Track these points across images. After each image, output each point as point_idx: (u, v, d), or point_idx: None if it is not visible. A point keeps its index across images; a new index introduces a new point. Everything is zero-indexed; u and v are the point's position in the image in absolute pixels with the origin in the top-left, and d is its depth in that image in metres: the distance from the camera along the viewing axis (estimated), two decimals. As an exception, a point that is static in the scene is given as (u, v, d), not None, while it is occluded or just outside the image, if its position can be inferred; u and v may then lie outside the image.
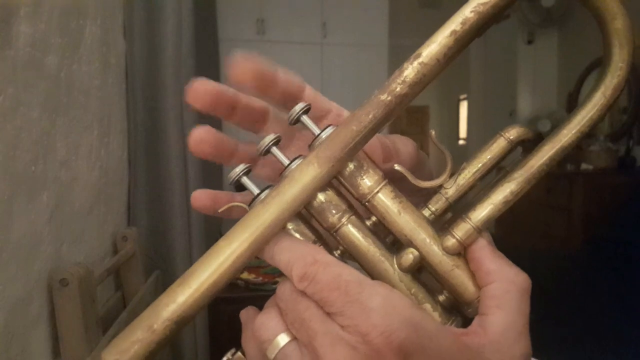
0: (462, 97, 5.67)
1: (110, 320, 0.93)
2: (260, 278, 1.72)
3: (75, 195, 0.92)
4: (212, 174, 1.56)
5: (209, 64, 1.93)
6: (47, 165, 0.81)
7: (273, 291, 0.26)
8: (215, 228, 1.87)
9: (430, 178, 0.31)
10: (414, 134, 6.76)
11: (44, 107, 0.80)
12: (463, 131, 5.75)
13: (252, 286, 1.69)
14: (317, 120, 0.31)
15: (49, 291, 0.77)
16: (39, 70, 0.79)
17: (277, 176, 0.28)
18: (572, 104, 3.35)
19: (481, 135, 4.39)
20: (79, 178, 0.94)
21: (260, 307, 0.28)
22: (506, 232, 2.98)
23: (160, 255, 1.32)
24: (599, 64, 0.27)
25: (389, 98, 0.25)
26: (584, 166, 2.89)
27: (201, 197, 0.31)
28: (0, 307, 0.66)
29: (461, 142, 5.88)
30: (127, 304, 1.10)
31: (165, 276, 1.30)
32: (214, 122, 0.32)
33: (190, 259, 1.34)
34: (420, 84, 0.25)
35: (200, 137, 0.29)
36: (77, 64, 0.94)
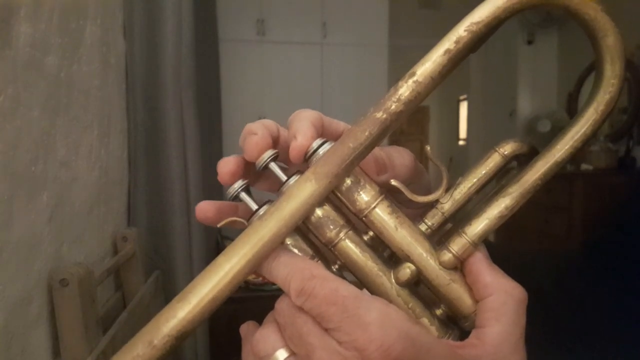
0: (462, 97, 5.65)
1: (110, 320, 0.93)
2: (261, 278, 1.72)
3: (75, 195, 0.92)
4: (212, 174, 1.56)
5: (209, 64, 1.93)
6: (47, 165, 0.81)
7: (273, 291, 0.26)
8: (215, 229, 1.87)
9: (429, 188, 0.31)
10: (414, 134, 6.77)
11: (44, 107, 0.80)
12: (463, 131, 5.74)
13: (253, 286, 1.69)
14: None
15: (49, 291, 0.77)
16: (39, 70, 0.79)
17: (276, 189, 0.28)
18: (572, 104, 3.34)
19: (481, 135, 4.38)
20: (79, 178, 0.94)
21: (261, 307, 0.28)
22: (506, 233, 2.98)
23: (160, 255, 1.32)
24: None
25: (385, 116, 0.25)
26: (583, 166, 2.90)
27: (206, 209, 0.31)
28: (0, 307, 0.66)
29: (461, 142, 5.87)
30: (127, 304, 1.10)
31: (165, 276, 1.30)
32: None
33: (190, 259, 1.34)
34: (415, 101, 0.25)
35: (229, 168, 0.29)
36: (77, 64, 0.94)
